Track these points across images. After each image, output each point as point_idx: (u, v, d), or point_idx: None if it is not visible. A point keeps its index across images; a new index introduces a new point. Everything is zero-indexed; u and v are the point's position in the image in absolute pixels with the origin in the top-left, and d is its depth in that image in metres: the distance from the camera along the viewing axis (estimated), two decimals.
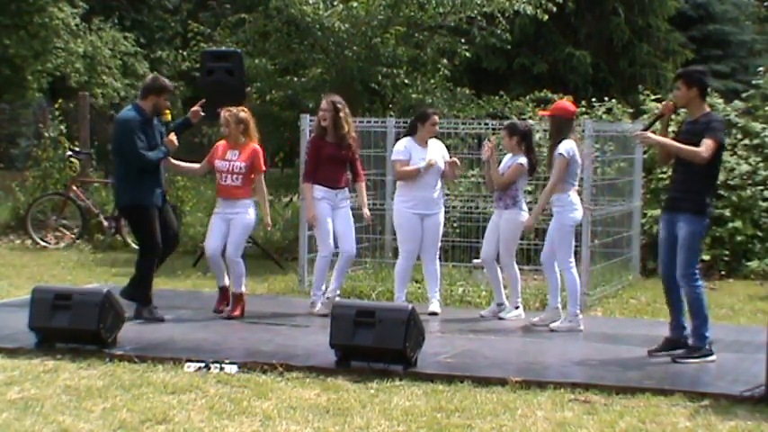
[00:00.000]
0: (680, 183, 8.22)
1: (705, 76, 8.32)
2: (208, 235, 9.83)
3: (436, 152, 10.11)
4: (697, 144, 7.97)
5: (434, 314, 9.98)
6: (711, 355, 8.13)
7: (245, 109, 9.77)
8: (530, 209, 10.18)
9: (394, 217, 10.27)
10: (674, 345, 8.27)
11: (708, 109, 8.28)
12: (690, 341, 8.20)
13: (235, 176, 9.62)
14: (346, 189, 10.11)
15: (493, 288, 10.17)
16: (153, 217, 9.49)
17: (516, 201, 9.91)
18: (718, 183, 13.33)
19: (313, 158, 9.95)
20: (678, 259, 8.12)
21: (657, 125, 8.38)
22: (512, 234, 9.92)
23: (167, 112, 9.50)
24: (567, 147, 9.39)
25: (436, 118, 10.15)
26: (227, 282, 9.88)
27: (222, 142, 9.81)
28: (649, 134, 8.24)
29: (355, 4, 14.36)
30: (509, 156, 10.05)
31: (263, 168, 9.82)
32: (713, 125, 8.07)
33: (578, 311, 9.50)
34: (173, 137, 9.50)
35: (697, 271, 8.17)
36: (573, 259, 9.55)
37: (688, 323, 8.26)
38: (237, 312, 9.73)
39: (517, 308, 10.05)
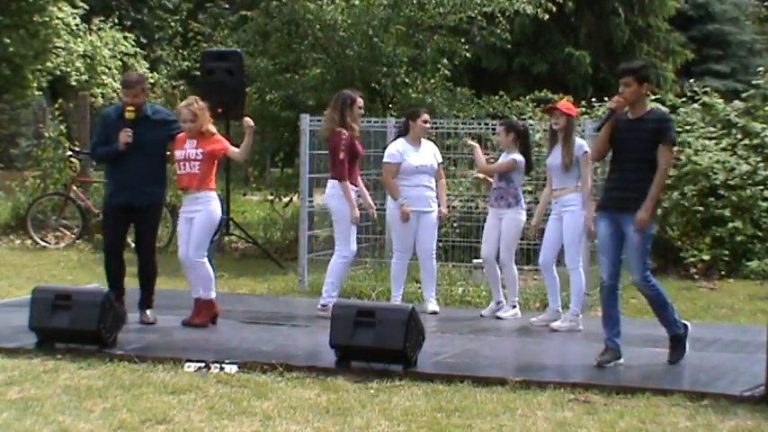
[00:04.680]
0: (630, 182, 7.87)
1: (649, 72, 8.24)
2: (178, 239, 9.31)
3: (428, 152, 10.12)
4: (644, 143, 7.79)
5: (435, 313, 10.00)
6: (687, 326, 8.11)
7: (198, 98, 9.32)
8: (529, 209, 10.19)
9: (387, 215, 10.27)
10: (618, 355, 8.02)
11: (650, 106, 8.12)
12: (667, 333, 8.11)
13: (192, 164, 9.03)
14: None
15: (491, 287, 10.20)
16: (109, 214, 9.39)
17: (518, 200, 9.94)
18: (718, 183, 13.47)
19: (348, 157, 9.75)
20: (633, 263, 7.90)
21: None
22: (514, 233, 9.94)
23: (130, 110, 9.07)
24: (585, 143, 9.56)
25: (426, 116, 10.19)
26: (202, 292, 9.22)
27: (182, 134, 9.19)
28: (644, 217, 7.87)
29: (357, 2, 14.36)
30: (504, 154, 10.08)
31: (227, 146, 9.18)
32: (666, 126, 7.89)
33: (579, 312, 9.51)
34: (127, 131, 9.04)
35: (648, 274, 7.96)
36: (581, 258, 9.56)
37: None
38: (204, 320, 9.13)
39: (514, 307, 10.06)
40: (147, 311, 9.33)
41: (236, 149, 9.36)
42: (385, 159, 10.17)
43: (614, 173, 8.08)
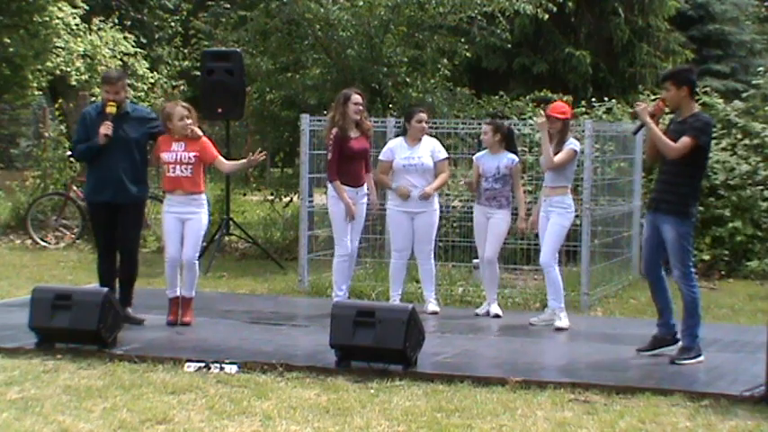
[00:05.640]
0: (664, 183, 8.20)
1: (693, 75, 8.28)
2: (166, 240, 9.25)
3: (424, 151, 10.11)
4: None
5: (435, 313, 10.01)
6: (701, 355, 8.13)
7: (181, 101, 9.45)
8: (529, 208, 10.19)
9: (387, 216, 10.32)
10: (662, 343, 8.27)
11: (697, 108, 8.25)
12: (681, 341, 8.18)
13: (183, 167, 9.07)
14: (365, 186, 10.14)
15: (486, 287, 10.23)
16: (96, 213, 9.40)
17: (509, 201, 10.02)
18: (718, 183, 13.47)
19: (337, 155, 9.83)
20: (672, 261, 8.12)
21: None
22: (504, 233, 10.02)
23: (111, 104, 9.07)
24: (578, 144, 9.65)
25: (422, 115, 10.18)
26: (179, 292, 9.29)
27: (164, 136, 9.20)
28: (646, 111, 8.15)
29: (360, 3, 14.37)
30: (484, 152, 10.11)
31: (216, 154, 9.25)
32: (696, 125, 8.03)
33: (560, 306, 9.52)
34: (107, 123, 9.02)
35: (693, 270, 8.16)
36: (556, 257, 9.59)
37: (677, 321, 8.27)
38: (192, 318, 9.28)
39: (495, 302, 10.08)
40: (129, 310, 9.30)
41: (224, 161, 9.47)
42: (380, 157, 10.27)
43: (658, 174, 8.41)
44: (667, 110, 8.44)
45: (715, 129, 14.29)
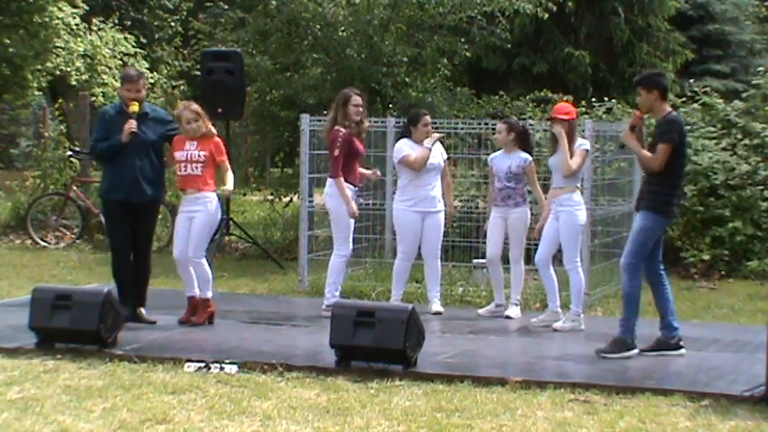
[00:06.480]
0: (644, 183, 8.47)
1: (662, 78, 8.44)
2: (174, 238, 9.35)
3: (435, 151, 10.11)
4: (654, 147, 8.19)
5: (438, 313, 10.00)
6: (634, 348, 8.20)
7: (192, 102, 9.49)
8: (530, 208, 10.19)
9: (394, 216, 10.27)
10: (665, 346, 8.28)
11: (669, 110, 8.33)
12: (618, 332, 8.25)
13: (194, 165, 9.08)
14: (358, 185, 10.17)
15: (494, 288, 10.19)
16: (111, 211, 9.36)
17: (525, 198, 10.02)
18: (718, 183, 13.46)
19: (344, 154, 9.76)
20: (625, 248, 8.28)
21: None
22: (524, 231, 9.99)
23: (134, 103, 9.09)
24: (588, 143, 9.72)
25: (428, 118, 10.18)
26: (197, 291, 9.26)
27: (179, 137, 9.26)
28: (628, 137, 8.32)
29: (357, 1, 14.36)
30: (499, 152, 10.10)
31: (224, 159, 9.25)
32: (663, 128, 8.18)
33: (580, 311, 9.51)
34: (131, 121, 9.03)
35: (636, 265, 8.18)
36: (579, 259, 9.56)
37: (677, 323, 8.38)
38: (202, 320, 9.21)
39: (517, 305, 10.06)
40: (143, 310, 9.33)
41: (228, 170, 9.35)
42: (401, 155, 9.98)
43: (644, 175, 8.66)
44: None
45: (715, 129, 14.32)
